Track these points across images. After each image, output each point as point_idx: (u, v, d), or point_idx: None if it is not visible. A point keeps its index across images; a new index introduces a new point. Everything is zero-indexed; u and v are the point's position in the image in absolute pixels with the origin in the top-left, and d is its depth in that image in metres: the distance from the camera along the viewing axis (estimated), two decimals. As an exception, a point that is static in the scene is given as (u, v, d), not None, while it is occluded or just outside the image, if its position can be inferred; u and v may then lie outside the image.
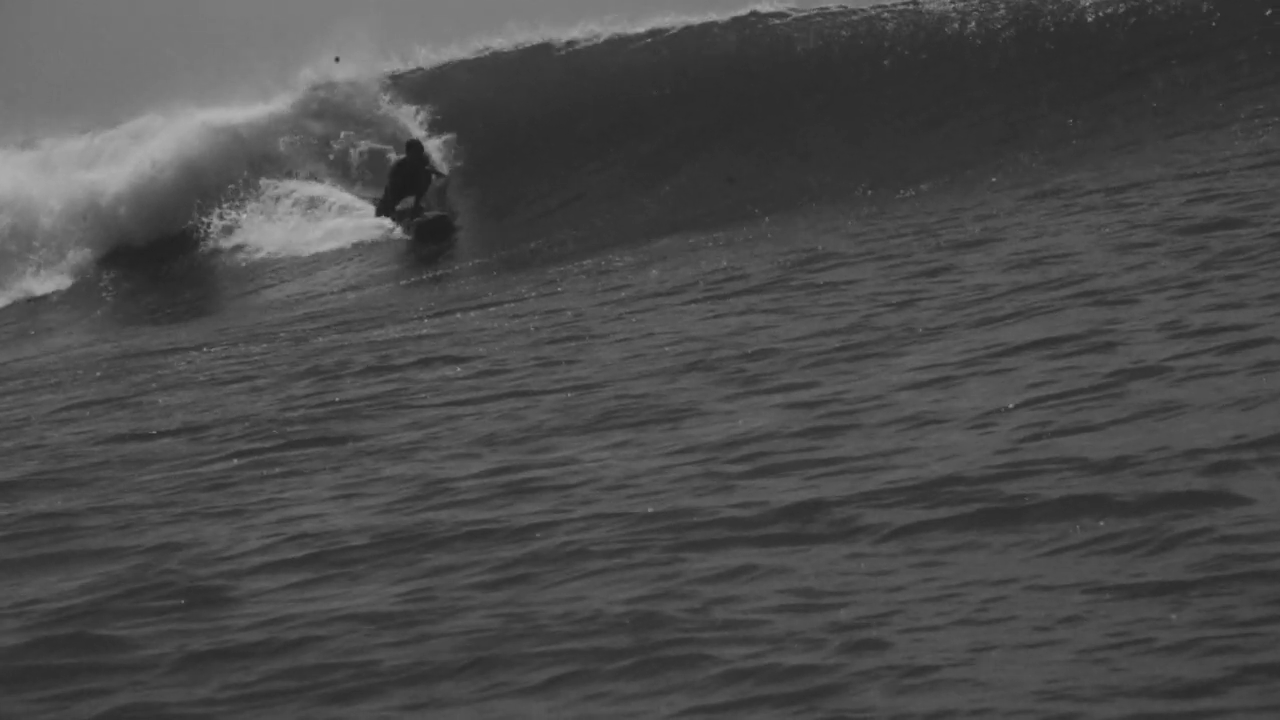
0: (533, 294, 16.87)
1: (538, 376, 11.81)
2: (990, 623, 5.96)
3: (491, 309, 16.20)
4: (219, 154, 28.59)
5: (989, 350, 10.17)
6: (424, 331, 15.25)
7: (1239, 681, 5.22)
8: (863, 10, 28.17)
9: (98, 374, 15.82)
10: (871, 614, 6.19)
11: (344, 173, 28.34)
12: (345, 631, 6.79)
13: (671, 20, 29.50)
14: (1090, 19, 26.00)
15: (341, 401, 11.91)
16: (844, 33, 27.83)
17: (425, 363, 13.09)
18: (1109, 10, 26.00)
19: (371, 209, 26.49)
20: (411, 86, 29.56)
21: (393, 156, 27.03)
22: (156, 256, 27.93)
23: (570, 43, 30.00)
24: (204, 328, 20.06)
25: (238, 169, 28.46)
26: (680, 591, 6.69)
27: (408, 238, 25.36)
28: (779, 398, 9.90)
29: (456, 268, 22.81)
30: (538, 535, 7.71)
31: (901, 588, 6.43)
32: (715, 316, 13.22)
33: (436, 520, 8.22)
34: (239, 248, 27.11)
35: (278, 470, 10.01)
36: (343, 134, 28.92)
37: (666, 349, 12.06)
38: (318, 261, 25.43)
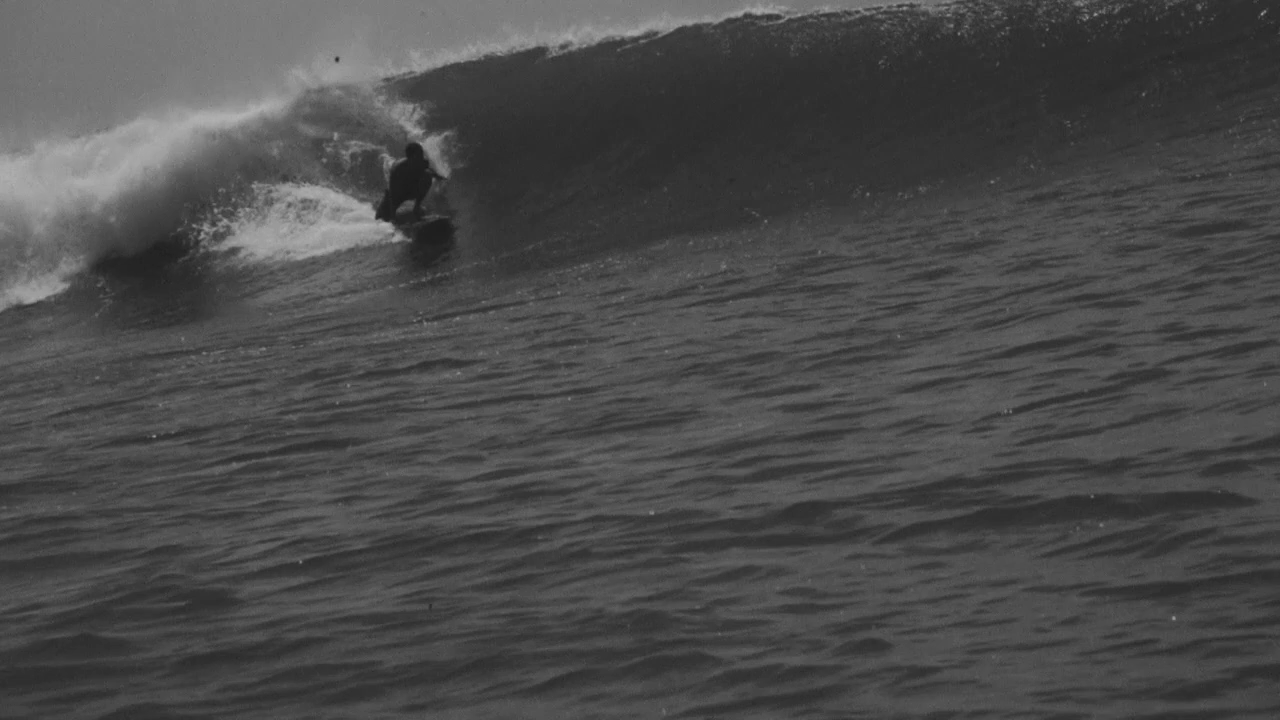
0: (532, 297, 16.87)
1: (538, 380, 11.81)
2: (990, 624, 5.97)
3: (491, 312, 16.20)
4: (212, 159, 28.57)
5: (989, 353, 10.17)
6: (424, 335, 15.26)
7: (1240, 683, 5.22)
8: (858, 12, 28.18)
9: (97, 378, 15.81)
10: (872, 615, 6.19)
11: (338, 176, 28.33)
12: (346, 633, 6.79)
13: (666, 22, 29.51)
14: (1087, 20, 26.00)
15: (342, 405, 11.92)
16: (839, 34, 27.84)
17: (425, 366, 13.10)
18: (1106, 11, 26.01)
19: (369, 211, 26.48)
20: (405, 90, 29.56)
21: (388, 159, 27.02)
22: (151, 261, 27.94)
23: (565, 45, 30.00)
24: (203, 331, 20.05)
25: (231, 173, 28.45)
26: (682, 593, 6.70)
27: (408, 241, 25.36)
28: (779, 400, 9.90)
29: (455, 271, 22.81)
30: (539, 537, 7.71)
31: (902, 589, 6.44)
32: (715, 319, 13.23)
33: (437, 523, 8.22)
34: (234, 251, 27.10)
35: (278, 473, 10.01)
36: (336, 137, 28.90)
37: (667, 352, 12.07)
38: (315, 265, 25.42)
